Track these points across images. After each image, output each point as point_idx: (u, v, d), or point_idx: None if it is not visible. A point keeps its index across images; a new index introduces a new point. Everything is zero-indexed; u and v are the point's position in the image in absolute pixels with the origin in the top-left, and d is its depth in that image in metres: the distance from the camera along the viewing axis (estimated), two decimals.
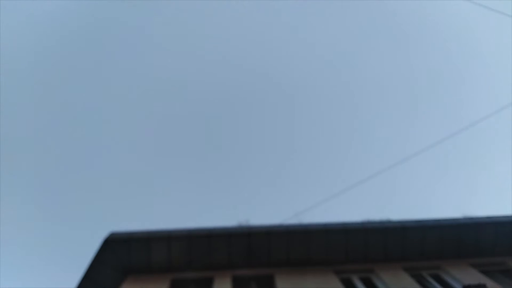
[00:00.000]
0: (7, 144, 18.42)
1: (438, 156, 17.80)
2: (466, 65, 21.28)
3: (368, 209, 17.57)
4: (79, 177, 20.69)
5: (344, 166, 21.67)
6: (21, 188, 19.51)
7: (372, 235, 8.57)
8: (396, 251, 8.60)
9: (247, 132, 22.82)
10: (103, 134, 21.28)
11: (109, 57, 21.61)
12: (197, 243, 8.36)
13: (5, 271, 15.77)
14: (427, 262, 8.53)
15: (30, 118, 20.21)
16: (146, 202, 20.76)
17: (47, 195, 20.23)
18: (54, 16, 19.67)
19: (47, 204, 20.04)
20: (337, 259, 8.50)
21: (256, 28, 22.06)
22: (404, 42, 22.02)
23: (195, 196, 21.10)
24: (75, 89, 20.87)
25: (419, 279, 8.06)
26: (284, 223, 8.82)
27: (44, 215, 19.58)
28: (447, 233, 8.67)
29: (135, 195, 21.19)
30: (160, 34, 21.55)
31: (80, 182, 20.70)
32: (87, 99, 21.07)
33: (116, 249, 8.24)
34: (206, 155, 22.29)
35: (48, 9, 19.19)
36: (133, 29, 21.42)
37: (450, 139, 12.43)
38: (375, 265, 8.39)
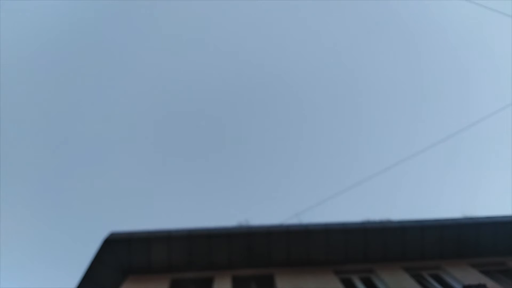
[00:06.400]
0: (7, 144, 18.44)
1: (438, 156, 17.82)
2: (466, 65, 21.31)
3: (368, 209, 17.58)
4: (79, 177, 20.72)
5: (344, 166, 21.70)
6: (21, 188, 19.53)
7: (372, 235, 8.58)
8: (396, 251, 8.60)
9: (247, 132, 22.84)
10: (103, 133, 21.31)
11: (110, 56, 21.64)
12: (197, 243, 8.36)
13: (5, 271, 15.79)
14: (427, 262, 8.53)
15: (30, 118, 20.25)
16: (146, 202, 20.79)
17: (47, 195, 20.26)
18: (54, 16, 19.69)
19: (47, 204, 20.07)
20: (337, 259, 8.50)
21: (259, 27, 22.09)
22: (404, 43, 22.05)
23: (195, 196, 21.13)
24: (75, 88, 20.91)
25: (419, 279, 8.06)
26: (284, 223, 8.82)
27: (44, 215, 19.62)
28: (447, 233, 8.67)
29: (135, 195, 21.21)
30: (161, 33, 21.58)
31: (80, 182, 20.73)
32: (87, 99, 21.12)
33: (116, 249, 8.24)
34: (206, 155, 22.31)
35: (48, 9, 19.21)
36: (134, 28, 21.45)
37: (450, 139, 12.42)
38: (375, 265, 8.40)
